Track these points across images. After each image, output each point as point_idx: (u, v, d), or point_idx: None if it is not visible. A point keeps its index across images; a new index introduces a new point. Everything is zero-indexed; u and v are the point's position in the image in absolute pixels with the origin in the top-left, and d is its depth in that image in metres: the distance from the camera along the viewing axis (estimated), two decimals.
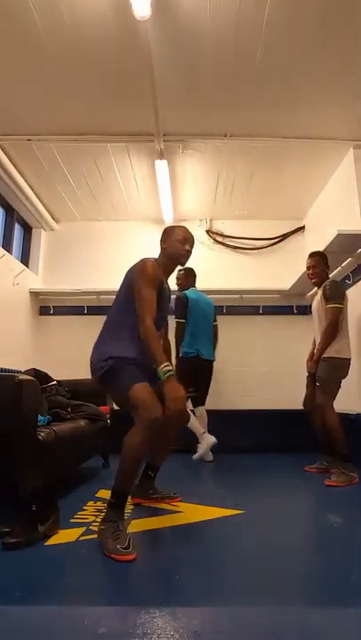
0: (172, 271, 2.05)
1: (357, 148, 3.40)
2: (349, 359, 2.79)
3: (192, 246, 2.01)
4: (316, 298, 2.98)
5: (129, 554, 1.42)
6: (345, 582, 1.24)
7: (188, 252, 1.98)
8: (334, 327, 2.74)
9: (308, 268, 3.01)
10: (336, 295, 2.79)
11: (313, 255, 3.02)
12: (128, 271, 1.95)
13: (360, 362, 3.13)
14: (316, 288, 3.06)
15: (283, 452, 3.67)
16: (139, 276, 1.84)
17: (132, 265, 1.96)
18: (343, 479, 2.49)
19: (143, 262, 1.89)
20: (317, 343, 2.91)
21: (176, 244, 1.96)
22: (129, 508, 2.04)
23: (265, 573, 1.34)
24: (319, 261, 2.98)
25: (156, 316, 1.79)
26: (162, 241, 2.05)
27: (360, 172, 3.36)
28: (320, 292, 2.90)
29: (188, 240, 1.99)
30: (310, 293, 3.15)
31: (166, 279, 2.00)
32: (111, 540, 1.48)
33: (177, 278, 3.50)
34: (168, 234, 2.03)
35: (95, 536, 1.61)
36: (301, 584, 1.25)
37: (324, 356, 2.78)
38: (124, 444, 1.62)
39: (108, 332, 1.90)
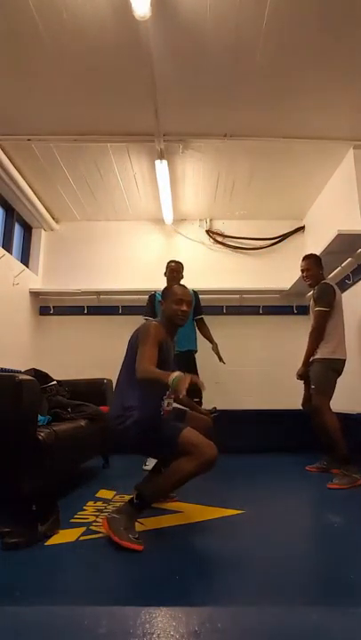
0: (174, 332, 2.04)
1: (357, 148, 3.41)
2: (344, 359, 2.79)
3: (189, 306, 1.99)
4: (311, 300, 3.02)
5: (140, 544, 1.51)
6: (345, 582, 1.24)
7: (185, 313, 1.97)
8: (320, 331, 2.78)
9: (303, 270, 3.03)
10: (323, 298, 2.80)
11: (306, 258, 3.05)
12: (133, 336, 1.95)
13: (360, 362, 3.13)
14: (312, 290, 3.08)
15: (283, 451, 3.67)
16: (142, 335, 1.86)
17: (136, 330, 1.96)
18: (346, 481, 2.45)
19: (147, 325, 1.93)
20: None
21: (172, 306, 1.96)
22: None
23: (265, 573, 1.34)
24: (313, 263, 2.99)
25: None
26: (161, 301, 2.07)
27: (360, 172, 3.36)
28: (313, 296, 2.95)
29: (184, 300, 1.97)
30: (310, 294, 3.10)
31: (171, 339, 2.02)
32: (123, 529, 1.55)
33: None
34: (167, 294, 2.04)
35: (95, 536, 1.62)
36: (301, 584, 1.25)
37: (318, 357, 2.79)
38: (175, 467, 1.65)
39: (123, 393, 1.89)
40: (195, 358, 3.37)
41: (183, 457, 1.63)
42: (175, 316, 1.95)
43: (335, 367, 2.77)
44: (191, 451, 1.63)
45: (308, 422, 3.87)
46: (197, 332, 3.46)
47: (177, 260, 3.52)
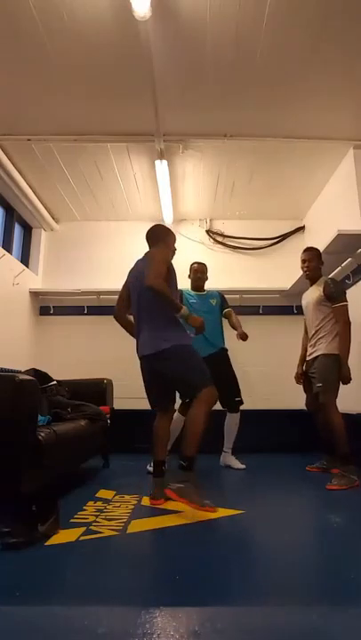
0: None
1: (357, 148, 3.40)
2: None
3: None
4: (310, 294, 2.96)
5: (214, 507, 1.89)
6: (345, 582, 1.24)
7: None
8: (349, 326, 2.71)
9: (304, 261, 3.00)
10: (341, 293, 2.80)
11: (308, 250, 3.04)
12: (138, 266, 2.37)
13: (360, 362, 3.13)
14: (314, 285, 3.02)
15: (283, 451, 3.67)
16: (150, 257, 2.24)
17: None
18: (345, 482, 2.44)
19: (152, 251, 2.34)
20: (311, 340, 2.92)
21: (173, 246, 2.42)
22: (129, 506, 2.05)
23: (265, 573, 1.34)
24: (314, 256, 2.98)
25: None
26: (165, 236, 2.42)
27: (360, 172, 3.36)
28: (316, 289, 2.89)
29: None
30: (308, 291, 3.06)
31: None
32: (197, 497, 1.89)
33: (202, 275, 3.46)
34: (169, 234, 2.45)
35: (95, 536, 1.62)
36: (301, 584, 1.25)
37: (326, 352, 2.75)
38: (191, 416, 2.05)
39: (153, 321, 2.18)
40: (228, 356, 3.36)
41: (194, 405, 2.05)
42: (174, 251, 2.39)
43: (342, 363, 2.74)
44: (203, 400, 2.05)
45: (309, 422, 3.89)
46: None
47: (199, 261, 3.56)
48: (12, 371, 3.00)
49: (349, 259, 3.42)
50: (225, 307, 3.47)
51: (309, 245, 3.28)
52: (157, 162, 3.49)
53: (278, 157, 3.59)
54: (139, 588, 1.24)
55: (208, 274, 3.55)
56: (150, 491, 2.20)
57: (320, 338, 2.83)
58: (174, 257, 2.44)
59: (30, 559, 1.41)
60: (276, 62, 2.61)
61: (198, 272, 3.44)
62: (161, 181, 3.77)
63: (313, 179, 3.90)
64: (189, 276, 3.48)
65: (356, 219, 3.26)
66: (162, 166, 3.52)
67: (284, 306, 4.45)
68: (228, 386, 3.20)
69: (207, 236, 4.69)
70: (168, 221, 4.52)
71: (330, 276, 3.85)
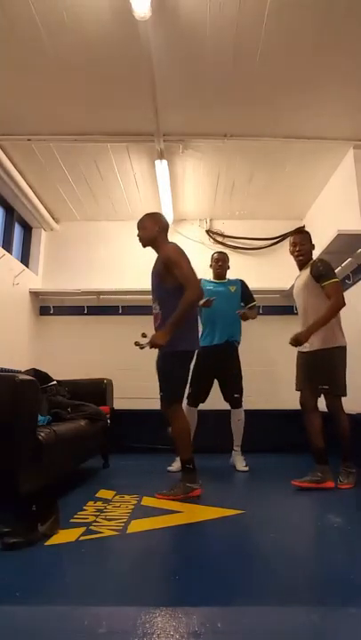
0: (156, 250, 2.52)
1: (357, 147, 3.40)
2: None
3: (140, 227, 2.60)
4: (302, 280, 2.69)
5: (197, 488, 2.15)
6: (345, 582, 1.24)
7: (138, 236, 2.58)
8: (342, 300, 2.47)
9: (295, 244, 2.72)
10: (331, 270, 2.56)
11: (300, 232, 2.80)
12: (156, 265, 2.48)
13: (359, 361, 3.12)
14: (302, 270, 2.74)
15: (283, 451, 3.67)
16: (173, 259, 2.36)
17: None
18: (353, 479, 2.43)
19: (170, 248, 2.46)
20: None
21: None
22: (129, 506, 2.05)
23: (265, 573, 1.34)
24: (307, 239, 2.75)
25: None
26: (153, 228, 2.56)
27: (360, 172, 3.36)
28: (306, 273, 2.62)
29: (138, 228, 2.62)
30: (299, 276, 2.78)
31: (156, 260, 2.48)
32: (181, 489, 2.14)
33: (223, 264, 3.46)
34: (160, 218, 2.60)
35: (95, 536, 1.62)
36: (301, 584, 1.25)
37: (327, 346, 2.50)
38: (173, 431, 2.30)
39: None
40: (237, 350, 3.32)
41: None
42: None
43: (345, 355, 2.54)
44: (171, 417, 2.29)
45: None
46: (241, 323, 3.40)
47: (220, 250, 3.58)
48: (12, 371, 3.00)
49: (349, 259, 3.42)
50: (248, 297, 3.40)
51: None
52: (157, 162, 3.49)
53: (278, 157, 3.59)
54: (139, 588, 1.24)
55: (208, 274, 3.55)
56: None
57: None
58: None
59: (30, 559, 1.41)
60: (276, 62, 2.61)
61: (219, 261, 3.45)
62: (161, 181, 3.77)
63: (313, 179, 3.90)
64: (211, 266, 3.49)
65: (357, 219, 3.26)
66: (162, 166, 3.52)
67: (284, 306, 4.45)
68: (228, 381, 3.19)
69: (207, 236, 4.69)
70: (168, 221, 4.52)
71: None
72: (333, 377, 2.48)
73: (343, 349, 2.53)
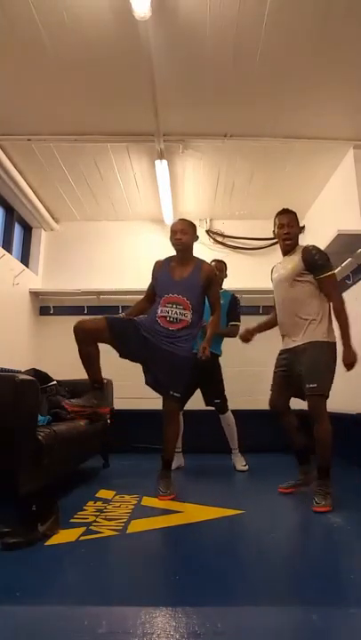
0: (185, 257, 2.49)
1: (357, 147, 3.40)
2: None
3: (183, 232, 2.45)
4: (289, 267, 2.30)
5: (168, 494, 2.18)
6: (345, 582, 1.24)
7: (178, 240, 2.45)
8: (343, 299, 2.20)
9: (282, 226, 2.34)
10: (328, 261, 2.24)
11: (288, 212, 2.38)
12: None
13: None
14: (287, 256, 2.39)
15: (282, 452, 3.66)
16: None
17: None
18: (330, 501, 2.01)
19: None
20: (288, 327, 2.30)
21: (170, 238, 2.50)
22: (129, 506, 2.05)
23: (265, 573, 1.34)
24: (295, 220, 2.38)
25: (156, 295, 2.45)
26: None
27: (360, 172, 3.36)
28: (295, 260, 2.27)
29: (175, 230, 2.47)
30: (284, 263, 2.42)
31: (182, 264, 2.48)
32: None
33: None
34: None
35: (95, 536, 1.62)
36: (301, 584, 1.25)
37: (318, 340, 2.16)
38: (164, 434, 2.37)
39: None
40: (218, 362, 3.29)
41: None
42: (173, 244, 2.47)
43: (335, 353, 2.20)
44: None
45: (309, 422, 3.88)
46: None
47: (218, 259, 3.51)
48: (12, 371, 3.00)
49: (349, 259, 3.42)
50: (232, 315, 3.33)
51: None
52: (157, 162, 3.49)
53: (278, 157, 3.59)
54: (139, 588, 1.24)
55: None
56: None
57: (305, 322, 2.21)
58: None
59: (30, 559, 1.41)
60: (276, 62, 2.61)
61: (217, 270, 3.39)
62: (161, 181, 3.77)
63: (313, 179, 3.90)
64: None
65: (357, 219, 3.26)
66: (162, 166, 3.52)
67: None
68: (210, 389, 3.20)
69: (207, 236, 4.69)
70: (168, 221, 4.52)
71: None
72: (322, 374, 2.13)
73: (334, 346, 2.19)
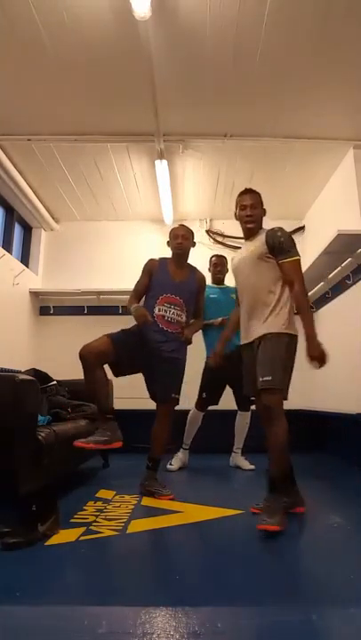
0: (181, 261, 2.56)
1: (357, 147, 3.40)
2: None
3: (184, 238, 2.54)
4: (252, 251, 2.04)
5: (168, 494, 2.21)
6: (345, 582, 1.24)
7: (180, 244, 2.53)
8: (303, 284, 1.95)
9: (244, 207, 2.08)
10: (294, 245, 2.02)
11: (251, 192, 2.13)
12: None
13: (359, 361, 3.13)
14: (249, 241, 2.12)
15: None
16: None
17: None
18: (280, 519, 1.67)
19: None
20: (249, 317, 2.01)
21: (171, 242, 2.56)
22: (129, 506, 2.05)
23: (265, 573, 1.34)
24: (259, 201, 2.13)
25: (149, 292, 2.47)
26: (168, 242, 2.61)
27: (360, 172, 3.36)
28: (258, 244, 2.02)
29: (177, 235, 2.54)
30: (244, 250, 2.16)
31: (179, 267, 2.55)
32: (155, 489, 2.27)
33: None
34: (169, 235, 2.60)
35: (95, 536, 1.62)
36: (301, 584, 1.25)
37: (277, 330, 1.89)
38: (154, 433, 2.46)
39: None
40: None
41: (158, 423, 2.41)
42: (174, 247, 2.54)
43: (295, 346, 1.93)
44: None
45: (309, 422, 3.88)
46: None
47: (219, 254, 3.55)
48: (12, 371, 3.00)
49: (349, 259, 3.42)
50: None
51: (310, 245, 3.04)
52: (157, 162, 3.49)
53: (278, 157, 3.59)
54: (139, 588, 1.24)
55: (208, 273, 3.53)
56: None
57: (265, 311, 1.95)
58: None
59: (30, 559, 1.41)
60: (276, 62, 2.61)
61: (218, 265, 3.43)
62: (161, 181, 3.77)
63: (313, 179, 3.90)
64: (209, 270, 3.45)
65: (357, 219, 3.26)
66: (162, 166, 3.53)
67: None
68: (241, 387, 3.16)
69: (207, 236, 4.69)
70: (168, 221, 4.52)
71: (329, 277, 3.86)
72: (278, 367, 1.84)
73: (295, 339, 1.92)
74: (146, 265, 2.55)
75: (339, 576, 1.28)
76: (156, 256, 2.59)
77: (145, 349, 2.31)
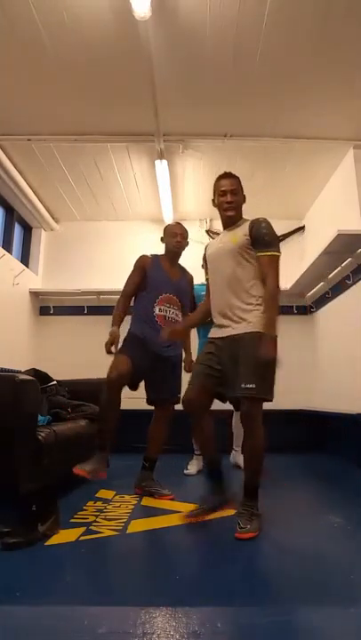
0: (175, 260, 2.51)
1: (357, 147, 3.40)
2: None
3: (183, 237, 2.50)
4: (232, 240, 1.90)
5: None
6: (345, 582, 1.24)
7: (179, 243, 2.47)
8: (279, 284, 1.85)
9: (224, 193, 1.96)
10: (277, 240, 1.93)
11: (231, 176, 2.02)
12: None
13: (359, 361, 3.13)
14: (228, 230, 2.00)
15: (282, 452, 3.66)
16: None
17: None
18: (256, 525, 1.65)
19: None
20: (224, 310, 1.85)
21: (169, 239, 2.48)
22: (129, 506, 2.05)
23: (265, 573, 1.34)
24: (240, 187, 2.01)
25: (145, 290, 2.39)
26: (163, 237, 2.53)
27: (360, 172, 3.36)
28: (240, 234, 1.90)
29: (176, 233, 2.47)
30: (224, 235, 2.02)
31: (173, 266, 2.49)
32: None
33: None
34: (165, 231, 2.54)
35: (95, 536, 1.62)
36: (301, 584, 1.25)
37: (261, 330, 1.77)
38: (153, 432, 2.48)
39: None
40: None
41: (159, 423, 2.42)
42: (172, 245, 2.46)
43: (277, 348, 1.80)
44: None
45: (308, 422, 3.88)
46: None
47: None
48: (12, 371, 3.00)
49: (349, 259, 3.42)
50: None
51: (310, 245, 3.06)
52: (157, 162, 3.49)
53: (278, 157, 3.59)
54: (139, 588, 1.24)
55: None
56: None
57: (246, 306, 1.82)
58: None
59: (30, 559, 1.41)
60: (276, 62, 2.61)
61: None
62: (161, 181, 3.77)
63: (313, 179, 3.90)
64: (203, 266, 3.41)
65: (357, 219, 3.26)
66: (162, 166, 3.53)
67: (284, 306, 4.43)
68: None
69: (207, 236, 4.69)
70: (168, 221, 4.52)
71: (328, 277, 3.86)
72: (263, 373, 1.72)
73: (276, 341, 1.80)
74: (138, 262, 2.43)
75: (339, 576, 1.28)
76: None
77: (149, 355, 2.28)
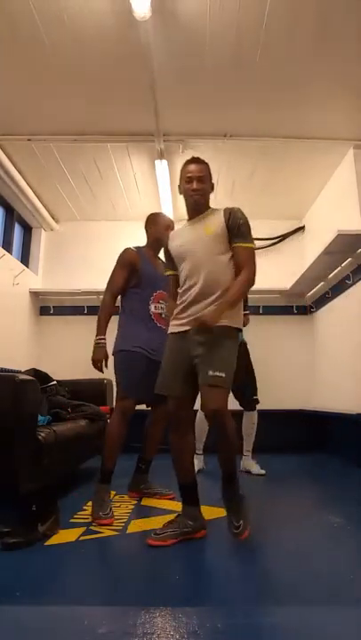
0: (159, 251, 2.28)
1: (357, 147, 3.40)
2: None
3: (172, 229, 2.28)
4: (207, 229, 1.79)
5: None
6: (345, 582, 1.24)
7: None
8: (254, 277, 1.78)
9: (190, 180, 1.82)
10: (250, 232, 1.85)
11: (198, 162, 1.88)
12: None
13: (359, 361, 3.13)
14: (197, 219, 1.87)
15: (282, 452, 3.67)
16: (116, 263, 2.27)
17: None
18: (246, 511, 1.65)
19: (122, 252, 2.28)
20: (196, 298, 1.72)
21: (162, 231, 2.22)
22: (130, 506, 2.05)
23: (265, 573, 1.34)
24: (209, 174, 1.90)
25: (138, 287, 2.22)
26: (149, 226, 2.36)
27: (360, 172, 3.36)
28: (216, 223, 1.79)
29: (168, 225, 2.29)
30: (194, 222, 1.89)
31: (156, 257, 2.32)
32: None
33: None
34: (152, 221, 2.35)
35: (95, 536, 1.62)
36: (301, 584, 1.25)
37: (237, 326, 1.74)
38: (150, 433, 2.38)
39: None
40: (248, 351, 3.24)
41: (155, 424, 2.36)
42: (161, 237, 2.17)
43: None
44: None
45: (308, 422, 3.88)
46: None
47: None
48: (12, 371, 3.00)
49: (349, 259, 3.42)
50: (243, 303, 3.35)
51: (310, 245, 3.03)
52: (157, 162, 3.49)
53: (278, 157, 3.59)
54: (139, 588, 1.24)
55: None
56: None
57: (216, 297, 1.70)
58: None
59: (30, 559, 1.41)
60: (276, 62, 2.61)
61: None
62: (161, 181, 3.77)
63: (313, 178, 3.90)
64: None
65: (357, 219, 3.26)
66: (162, 166, 3.53)
67: (284, 306, 4.45)
68: (246, 383, 3.03)
69: None
70: None
71: (328, 277, 3.86)
72: (230, 365, 1.66)
73: (241, 336, 1.66)
74: (125, 256, 2.20)
75: (339, 576, 1.28)
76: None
77: (150, 366, 2.06)
